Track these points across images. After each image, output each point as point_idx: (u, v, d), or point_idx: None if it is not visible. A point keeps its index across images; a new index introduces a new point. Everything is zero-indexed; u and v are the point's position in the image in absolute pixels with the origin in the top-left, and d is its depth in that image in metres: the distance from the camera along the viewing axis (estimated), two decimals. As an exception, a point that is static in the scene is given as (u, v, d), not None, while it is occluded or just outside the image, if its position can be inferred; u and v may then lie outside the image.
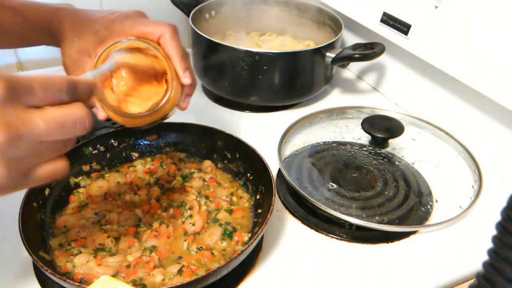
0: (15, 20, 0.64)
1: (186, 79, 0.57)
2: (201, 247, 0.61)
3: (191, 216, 0.64)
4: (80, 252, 0.59)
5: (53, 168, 0.41)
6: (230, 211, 0.66)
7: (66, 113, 0.39)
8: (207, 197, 0.68)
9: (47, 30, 0.63)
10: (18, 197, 0.57)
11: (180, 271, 0.56)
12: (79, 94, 0.41)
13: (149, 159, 0.76)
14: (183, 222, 0.64)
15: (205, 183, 0.71)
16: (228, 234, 0.62)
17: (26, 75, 0.37)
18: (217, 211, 0.66)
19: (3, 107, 0.34)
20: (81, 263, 0.57)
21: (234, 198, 0.69)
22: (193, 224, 0.63)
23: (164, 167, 0.74)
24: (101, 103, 0.53)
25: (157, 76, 0.58)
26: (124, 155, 0.75)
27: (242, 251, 0.54)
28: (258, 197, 0.67)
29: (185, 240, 0.61)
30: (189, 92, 0.60)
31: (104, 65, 0.54)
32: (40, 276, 0.59)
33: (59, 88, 0.39)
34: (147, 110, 0.55)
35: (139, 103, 0.56)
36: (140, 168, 0.73)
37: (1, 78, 0.34)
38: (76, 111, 0.39)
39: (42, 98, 0.37)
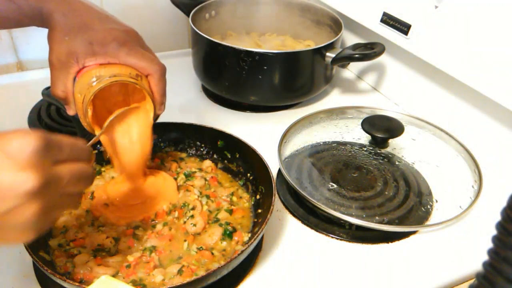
0: (8, 6, 0.63)
1: (160, 111, 0.65)
2: (201, 247, 0.61)
3: (192, 216, 0.64)
4: (80, 253, 0.59)
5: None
6: (230, 211, 0.66)
7: (81, 168, 0.46)
8: (208, 197, 0.68)
9: (38, 16, 0.62)
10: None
11: (180, 271, 0.56)
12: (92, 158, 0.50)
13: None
14: (184, 222, 0.64)
15: (206, 182, 0.71)
16: (228, 234, 0.62)
17: (57, 136, 0.44)
18: (217, 211, 0.66)
19: (39, 158, 0.40)
20: (81, 263, 0.57)
21: (235, 198, 0.69)
22: (195, 225, 0.63)
23: (166, 164, 0.74)
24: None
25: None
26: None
27: (242, 251, 0.54)
28: (258, 197, 0.67)
29: (185, 240, 0.61)
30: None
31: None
32: (41, 276, 0.59)
33: (82, 151, 0.47)
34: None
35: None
36: None
37: (39, 135, 0.41)
38: (87, 168, 0.47)
39: (67, 156, 0.44)
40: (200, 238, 0.62)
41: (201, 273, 0.54)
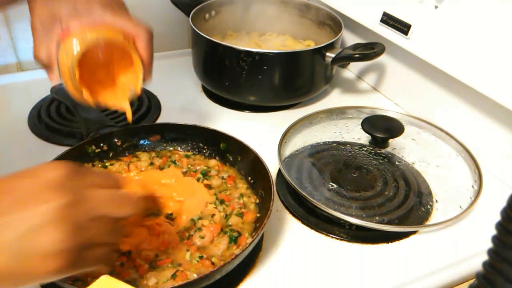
0: None
1: (148, 78, 0.63)
2: (202, 256, 0.58)
3: (200, 229, 0.61)
4: None
5: (103, 252, 0.45)
6: (241, 215, 0.64)
7: (118, 192, 0.46)
8: (223, 202, 0.66)
9: None
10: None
11: (174, 276, 0.55)
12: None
13: (153, 153, 0.75)
14: (191, 235, 0.61)
15: (223, 181, 0.70)
16: (234, 240, 0.60)
17: (89, 167, 0.47)
18: (229, 216, 0.64)
19: (68, 180, 0.41)
20: None
21: (246, 199, 0.67)
22: (202, 237, 0.60)
23: (178, 163, 0.73)
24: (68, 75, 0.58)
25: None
26: (127, 154, 0.75)
27: (236, 256, 0.53)
28: (258, 201, 0.67)
29: (188, 250, 0.59)
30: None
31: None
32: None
33: (116, 179, 0.48)
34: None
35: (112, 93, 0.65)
36: (146, 160, 0.73)
37: (70, 164, 0.42)
38: (125, 192, 0.47)
39: (101, 180, 0.45)
40: (208, 249, 0.60)
41: (193, 277, 0.53)
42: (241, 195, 0.68)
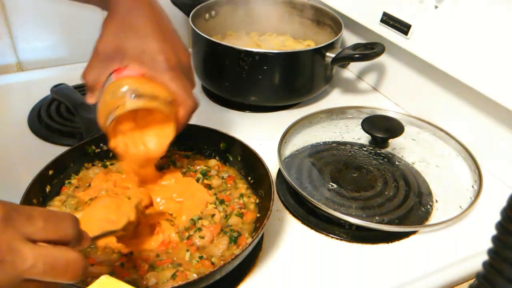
0: None
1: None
2: (202, 256, 0.58)
3: (200, 229, 0.61)
4: None
5: None
6: (241, 215, 0.64)
7: (61, 253, 0.36)
8: (222, 202, 0.66)
9: None
10: (19, 192, 0.58)
11: (174, 276, 0.55)
12: (81, 236, 0.40)
13: None
14: (191, 235, 0.61)
15: (223, 180, 0.70)
16: (233, 240, 0.60)
17: (28, 207, 0.35)
18: (229, 216, 0.64)
19: None
20: None
21: (246, 199, 0.67)
22: (202, 237, 0.60)
23: (178, 163, 0.72)
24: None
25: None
26: (126, 154, 0.75)
27: (236, 256, 0.52)
28: (258, 201, 0.67)
29: (188, 251, 0.59)
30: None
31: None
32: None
33: (62, 225, 0.37)
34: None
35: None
36: None
37: (2, 203, 0.33)
38: (72, 255, 0.37)
39: (41, 229, 0.35)
40: (208, 249, 0.59)
41: (193, 277, 0.53)
42: (241, 195, 0.68)
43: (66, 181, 0.68)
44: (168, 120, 0.61)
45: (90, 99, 0.61)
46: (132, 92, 0.57)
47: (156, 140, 0.63)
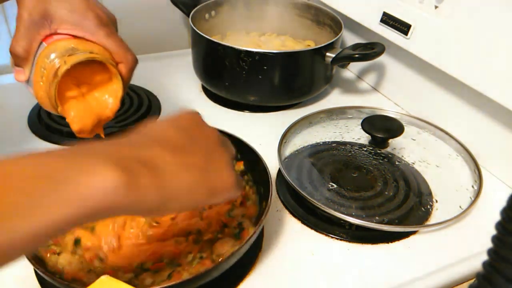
0: None
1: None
2: (202, 256, 0.58)
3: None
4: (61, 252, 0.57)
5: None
6: (244, 208, 0.64)
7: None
8: None
9: None
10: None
11: (169, 276, 0.54)
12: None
13: None
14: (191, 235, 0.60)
15: None
16: (236, 235, 0.60)
17: None
18: (233, 206, 0.64)
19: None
20: (66, 263, 0.56)
21: (247, 187, 0.67)
22: (203, 237, 0.59)
23: None
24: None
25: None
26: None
27: (233, 253, 0.52)
28: (257, 201, 0.67)
29: (190, 253, 0.58)
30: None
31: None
32: (40, 277, 0.59)
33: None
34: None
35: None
36: None
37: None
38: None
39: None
40: (208, 249, 0.59)
41: (187, 276, 0.53)
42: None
43: None
44: (114, 77, 0.59)
45: (19, 76, 0.58)
46: (70, 51, 0.55)
47: (107, 97, 0.61)
